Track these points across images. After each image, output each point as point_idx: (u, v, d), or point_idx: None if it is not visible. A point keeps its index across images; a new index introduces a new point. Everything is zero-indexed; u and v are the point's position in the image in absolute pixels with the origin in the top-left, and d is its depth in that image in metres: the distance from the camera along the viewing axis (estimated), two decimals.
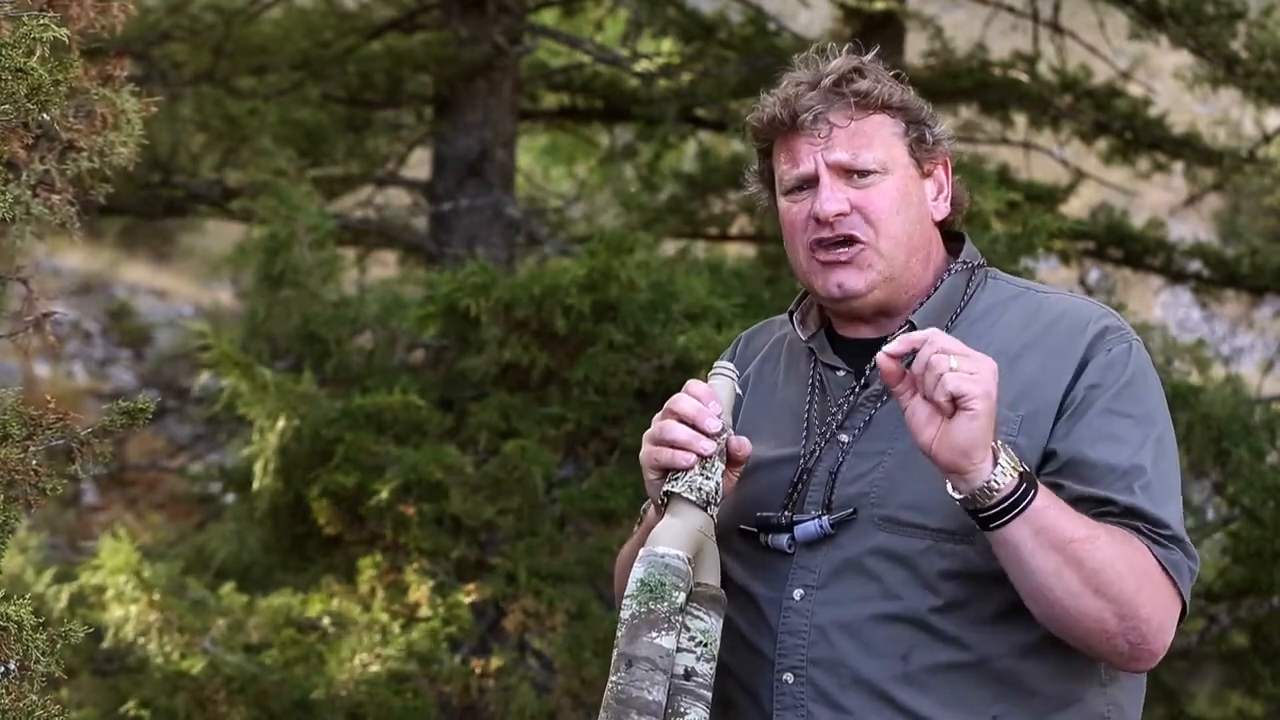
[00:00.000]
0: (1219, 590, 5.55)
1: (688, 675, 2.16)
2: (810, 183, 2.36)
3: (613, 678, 2.14)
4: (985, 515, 2.15)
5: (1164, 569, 2.22)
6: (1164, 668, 5.66)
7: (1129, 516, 2.23)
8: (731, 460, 2.28)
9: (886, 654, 2.25)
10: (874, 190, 2.35)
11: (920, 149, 2.40)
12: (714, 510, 2.25)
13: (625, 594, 2.17)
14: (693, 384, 2.29)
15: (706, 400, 2.26)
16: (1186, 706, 6.15)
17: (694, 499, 2.23)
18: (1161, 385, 2.36)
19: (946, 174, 2.45)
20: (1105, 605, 2.17)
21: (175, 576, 5.06)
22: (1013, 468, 2.14)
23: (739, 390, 2.33)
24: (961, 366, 2.11)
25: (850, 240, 2.35)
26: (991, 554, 2.23)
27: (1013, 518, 2.14)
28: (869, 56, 2.42)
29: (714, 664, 2.18)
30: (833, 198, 2.34)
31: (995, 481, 2.13)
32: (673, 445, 2.24)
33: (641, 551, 2.20)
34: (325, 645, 4.81)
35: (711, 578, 2.24)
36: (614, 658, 2.15)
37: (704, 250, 8.37)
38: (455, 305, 5.04)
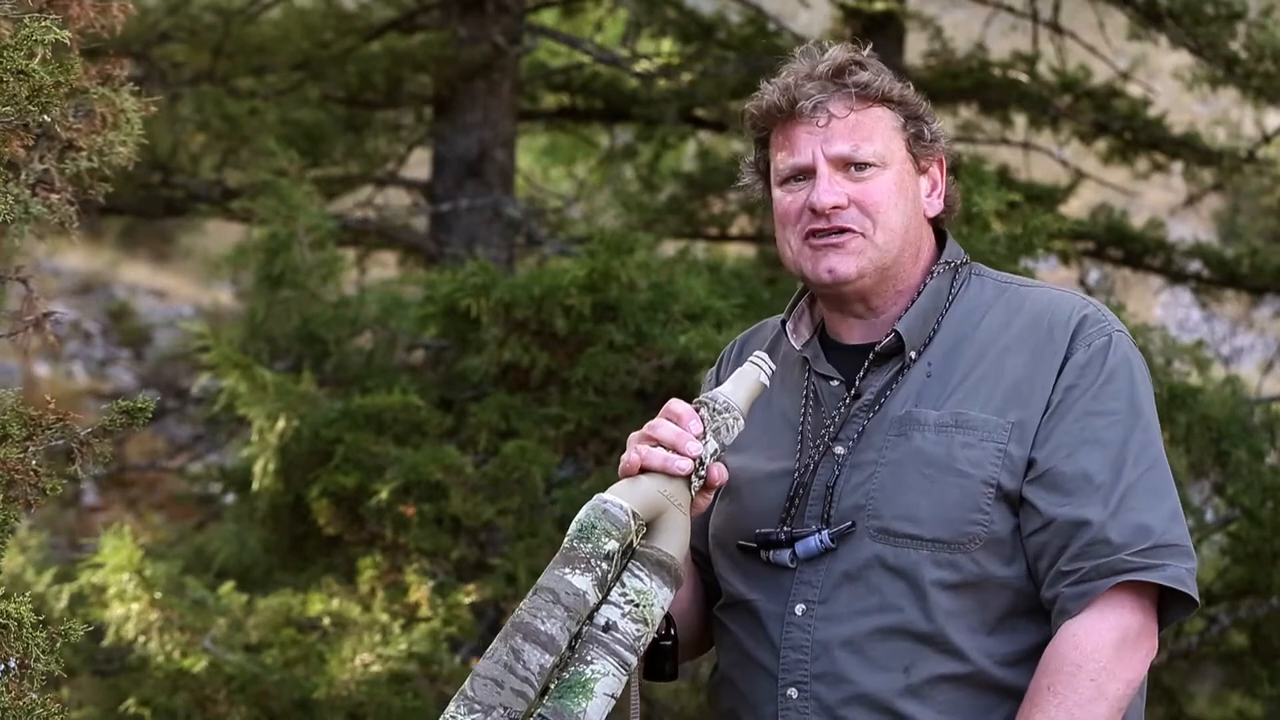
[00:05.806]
0: (1218, 591, 5.54)
1: (607, 627, 2.12)
2: (807, 173, 2.35)
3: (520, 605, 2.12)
4: None
5: (1152, 589, 2.21)
6: (1164, 668, 5.66)
7: (1104, 550, 2.20)
8: (705, 486, 2.23)
9: (888, 668, 2.26)
10: (871, 183, 2.34)
11: (917, 145, 2.39)
12: (695, 479, 2.20)
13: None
14: (673, 404, 2.24)
15: (687, 422, 2.21)
16: (1186, 707, 6.14)
17: None
18: (1148, 372, 2.34)
19: (941, 172, 2.44)
20: None
21: (175, 576, 5.06)
22: None
23: (765, 382, 2.27)
24: None
25: (844, 231, 2.33)
26: (986, 562, 2.24)
27: None
28: (866, 52, 2.42)
29: (645, 628, 2.13)
30: (830, 190, 2.32)
31: None
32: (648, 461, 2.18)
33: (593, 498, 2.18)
34: (325, 645, 4.81)
35: (671, 547, 2.18)
36: None
37: (704, 250, 8.38)
38: (455, 305, 5.04)
